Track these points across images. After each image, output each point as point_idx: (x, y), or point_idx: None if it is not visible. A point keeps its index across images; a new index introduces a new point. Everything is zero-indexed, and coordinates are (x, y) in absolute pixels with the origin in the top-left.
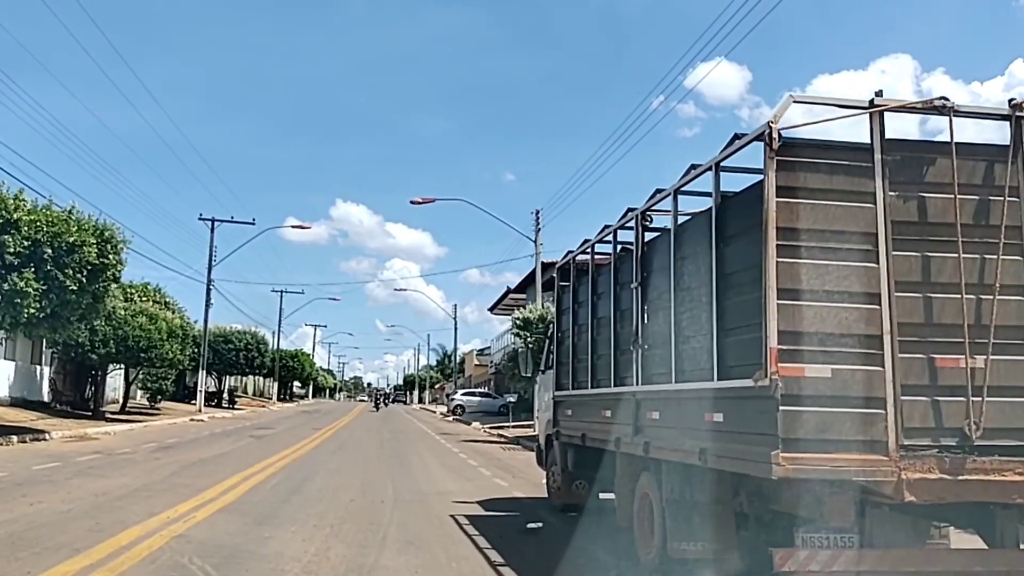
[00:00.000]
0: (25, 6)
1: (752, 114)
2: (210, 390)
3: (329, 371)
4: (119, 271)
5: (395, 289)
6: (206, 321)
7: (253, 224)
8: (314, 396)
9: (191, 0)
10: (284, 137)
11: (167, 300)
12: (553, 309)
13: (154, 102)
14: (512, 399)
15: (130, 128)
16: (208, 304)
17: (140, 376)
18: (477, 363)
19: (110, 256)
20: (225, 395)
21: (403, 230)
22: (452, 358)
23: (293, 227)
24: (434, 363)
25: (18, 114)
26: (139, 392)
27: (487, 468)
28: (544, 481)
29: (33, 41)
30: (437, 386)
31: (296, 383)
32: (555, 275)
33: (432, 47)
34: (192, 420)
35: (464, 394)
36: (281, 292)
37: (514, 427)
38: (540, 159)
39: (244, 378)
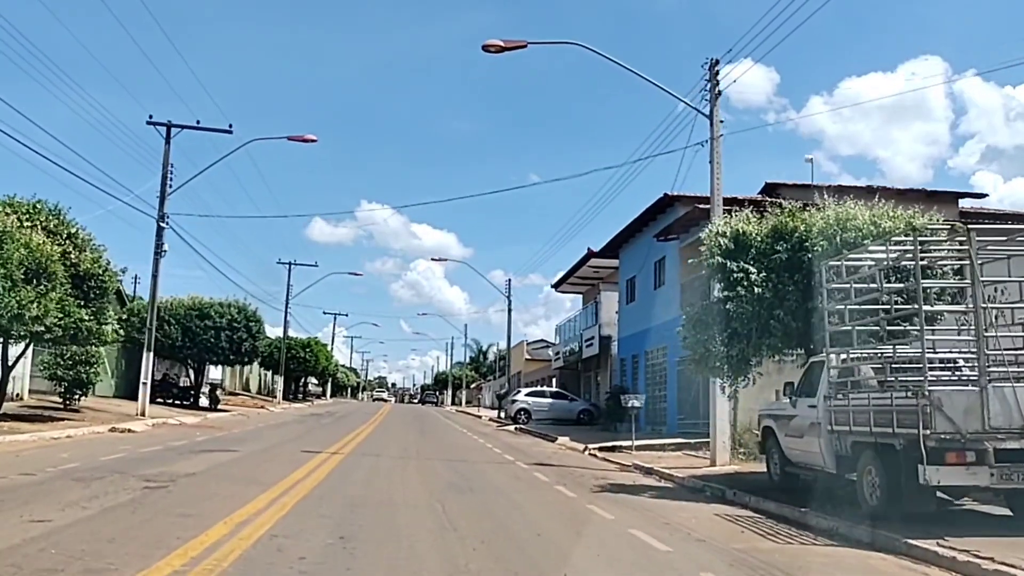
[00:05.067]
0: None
1: (779, 118)
2: (179, 384)
3: (352, 369)
4: None
5: (431, 259)
6: (155, 277)
7: (230, 133)
8: (333, 395)
9: (218, 1)
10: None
11: (73, 231)
12: None
13: (188, 100)
14: (636, 403)
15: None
16: (159, 252)
17: (43, 359)
18: (529, 358)
19: None
20: (204, 391)
21: (428, 231)
22: (507, 346)
23: (290, 139)
24: (465, 359)
25: (69, 106)
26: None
27: None
28: None
29: (88, 40)
30: (474, 385)
31: (312, 380)
32: None
33: (456, 49)
34: (113, 431)
35: (529, 394)
36: (289, 264)
37: (643, 449)
38: (564, 160)
39: (246, 371)
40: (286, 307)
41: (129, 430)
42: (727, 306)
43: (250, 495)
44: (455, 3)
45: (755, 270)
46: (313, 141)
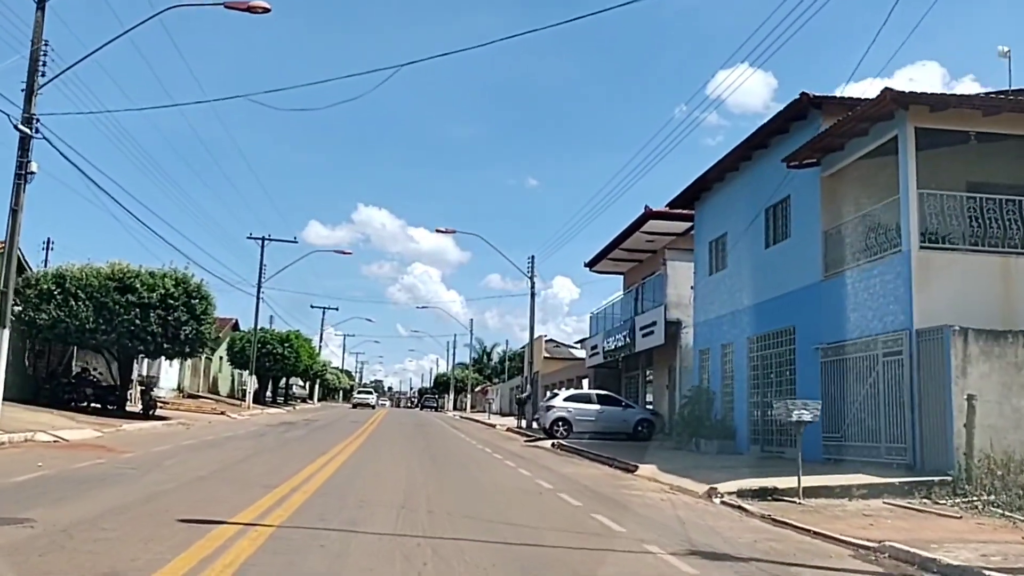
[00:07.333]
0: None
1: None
2: (100, 383)
3: (345, 371)
4: None
5: (437, 230)
6: (14, 212)
7: (156, 17)
8: (322, 399)
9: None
10: (308, 140)
11: None
12: None
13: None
14: (807, 415)
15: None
16: (24, 174)
17: None
18: (548, 356)
19: None
20: (134, 392)
21: (425, 234)
22: (529, 339)
23: (227, 7)
24: (469, 361)
25: (73, 100)
26: None
27: None
28: None
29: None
30: (478, 389)
31: (298, 381)
32: None
33: (457, 53)
34: None
35: (570, 399)
36: (263, 239)
37: (814, 495)
38: (563, 165)
39: (213, 369)
40: (258, 291)
41: None
42: None
43: None
44: (455, 4)
45: None
46: (266, 11)
